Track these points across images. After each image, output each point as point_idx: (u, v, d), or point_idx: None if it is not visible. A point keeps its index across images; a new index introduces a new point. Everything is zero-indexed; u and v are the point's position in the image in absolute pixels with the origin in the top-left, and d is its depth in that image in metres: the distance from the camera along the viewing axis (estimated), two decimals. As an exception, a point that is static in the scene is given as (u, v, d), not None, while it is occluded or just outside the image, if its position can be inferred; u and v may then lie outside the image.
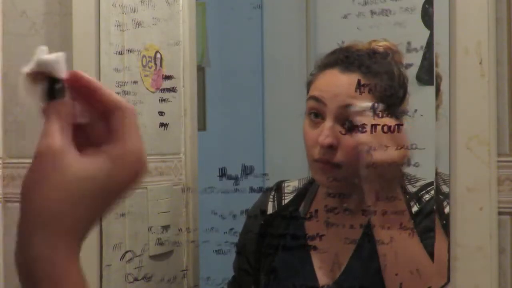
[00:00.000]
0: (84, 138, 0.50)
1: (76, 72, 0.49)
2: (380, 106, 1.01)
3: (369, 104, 1.01)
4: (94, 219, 0.48)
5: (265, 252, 1.15)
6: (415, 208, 1.04)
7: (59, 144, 0.46)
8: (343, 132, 1.04)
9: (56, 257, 0.46)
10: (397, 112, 1.02)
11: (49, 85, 0.48)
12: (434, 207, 1.01)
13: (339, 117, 1.05)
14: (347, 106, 1.03)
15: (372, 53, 1.06)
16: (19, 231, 0.47)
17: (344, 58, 1.06)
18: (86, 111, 0.50)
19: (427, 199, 1.04)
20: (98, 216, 0.48)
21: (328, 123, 1.05)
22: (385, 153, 0.99)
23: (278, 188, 1.19)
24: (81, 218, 0.47)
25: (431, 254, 1.00)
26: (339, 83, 1.06)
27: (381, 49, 1.06)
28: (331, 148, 1.05)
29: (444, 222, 0.99)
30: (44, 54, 0.48)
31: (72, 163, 0.46)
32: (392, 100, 1.03)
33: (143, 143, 0.50)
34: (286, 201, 1.17)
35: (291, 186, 1.18)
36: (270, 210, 1.17)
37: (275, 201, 1.18)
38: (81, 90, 0.49)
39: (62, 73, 0.48)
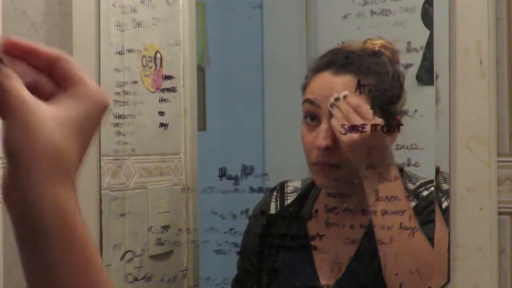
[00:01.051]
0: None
1: (7, 38, 0.51)
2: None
3: (344, 92, 1.02)
4: (81, 158, 0.51)
5: (267, 252, 1.15)
6: (412, 204, 1.04)
7: (29, 97, 0.49)
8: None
9: (59, 198, 0.48)
10: (395, 111, 1.02)
11: None
12: (435, 202, 1.01)
13: None
14: None
15: (365, 54, 1.06)
16: (11, 184, 0.48)
17: (337, 60, 1.07)
18: (27, 71, 0.52)
19: (425, 194, 1.04)
20: (83, 154, 0.51)
21: (324, 125, 1.06)
22: (349, 137, 1.01)
23: (281, 188, 1.19)
24: (72, 159, 0.49)
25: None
26: (332, 85, 1.06)
27: (376, 48, 1.06)
28: (328, 150, 1.05)
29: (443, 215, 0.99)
30: None
31: (46, 108, 0.49)
32: (388, 99, 1.03)
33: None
34: (289, 201, 1.17)
35: (294, 187, 1.18)
36: (273, 210, 1.18)
37: (278, 201, 1.18)
38: (17, 54, 0.51)
39: None
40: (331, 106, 1.04)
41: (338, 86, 1.05)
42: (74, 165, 0.49)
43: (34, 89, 0.51)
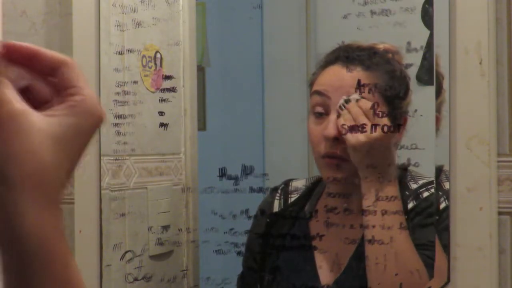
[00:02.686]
0: (28, 101, 0.48)
1: (5, 42, 0.48)
2: (380, 105, 1.01)
3: (356, 96, 1.02)
4: (69, 176, 0.47)
5: (269, 251, 1.15)
6: (411, 205, 1.03)
7: (19, 106, 0.45)
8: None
9: (45, 225, 0.44)
10: (399, 111, 1.02)
11: None
12: (438, 205, 1.01)
13: None
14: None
15: (373, 51, 1.06)
16: None
17: (346, 55, 1.07)
18: (23, 75, 0.49)
19: (425, 196, 1.04)
20: (73, 169, 0.48)
21: (333, 116, 1.05)
22: (355, 137, 1.00)
23: (285, 186, 1.18)
24: (59, 175, 0.46)
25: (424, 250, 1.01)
26: (341, 77, 1.06)
27: (380, 49, 1.06)
28: (337, 140, 1.05)
29: (437, 217, 0.99)
30: None
31: (37, 121, 0.45)
32: (393, 98, 1.03)
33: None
34: (292, 199, 1.17)
35: (298, 185, 1.18)
36: (276, 208, 1.17)
37: (282, 199, 1.18)
38: (18, 58, 0.48)
39: None
40: (340, 107, 1.03)
41: (348, 77, 1.05)
42: (61, 185, 0.46)
43: (28, 93, 0.48)
